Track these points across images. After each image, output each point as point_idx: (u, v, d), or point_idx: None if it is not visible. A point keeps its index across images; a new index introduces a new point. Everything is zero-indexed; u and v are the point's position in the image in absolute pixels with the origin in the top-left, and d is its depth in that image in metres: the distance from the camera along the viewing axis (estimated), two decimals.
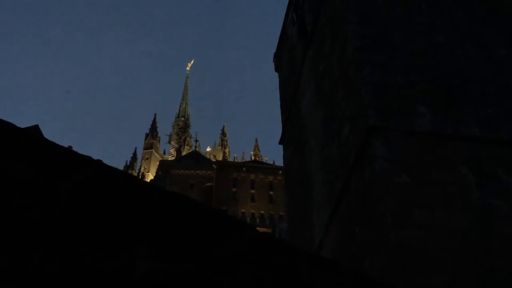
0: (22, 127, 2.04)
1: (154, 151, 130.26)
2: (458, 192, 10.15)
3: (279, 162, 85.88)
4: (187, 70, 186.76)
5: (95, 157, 2.04)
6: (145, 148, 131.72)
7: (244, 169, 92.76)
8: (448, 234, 9.49)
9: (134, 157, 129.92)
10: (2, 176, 1.76)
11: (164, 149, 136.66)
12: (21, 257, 1.59)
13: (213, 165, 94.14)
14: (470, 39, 13.05)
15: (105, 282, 1.58)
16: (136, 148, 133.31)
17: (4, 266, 1.55)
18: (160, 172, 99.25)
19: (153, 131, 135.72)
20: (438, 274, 8.92)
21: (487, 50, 12.87)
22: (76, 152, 2.00)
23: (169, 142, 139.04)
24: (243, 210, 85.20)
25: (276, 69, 20.72)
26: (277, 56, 20.66)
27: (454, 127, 11.27)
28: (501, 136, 11.33)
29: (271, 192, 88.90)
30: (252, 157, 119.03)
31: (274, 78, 22.93)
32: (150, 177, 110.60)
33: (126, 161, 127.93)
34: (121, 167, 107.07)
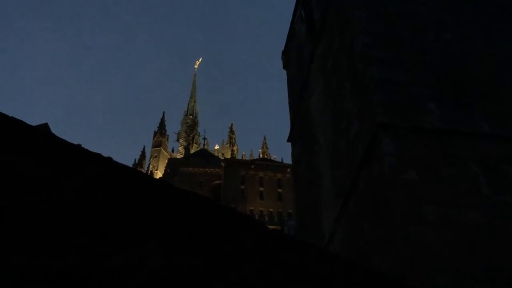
0: (32, 125, 2.05)
1: (162, 149, 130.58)
2: (467, 189, 10.11)
3: (288, 160, 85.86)
4: (195, 68, 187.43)
5: (103, 155, 2.05)
6: (154, 146, 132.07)
7: (252, 166, 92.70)
8: (457, 231, 9.46)
9: (142, 155, 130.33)
10: (13, 172, 1.77)
11: (173, 147, 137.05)
12: (32, 253, 1.60)
13: (222, 163, 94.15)
14: (479, 35, 12.99)
15: (114, 277, 1.59)
16: (144, 146, 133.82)
17: (15, 261, 1.56)
18: (168, 170, 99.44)
19: (161, 129, 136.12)
20: (447, 271, 8.90)
21: (496, 46, 12.80)
22: (86, 149, 2.01)
23: (178, 140, 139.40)
24: (251, 208, 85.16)
25: (284, 67, 20.69)
26: (285, 54, 20.63)
27: (463, 123, 11.22)
28: (511, 132, 11.27)
29: (279, 190, 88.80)
30: (261, 155, 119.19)
31: (283, 75, 22.90)
32: (158, 175, 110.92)
33: (135, 159, 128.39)
34: (129, 165, 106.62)
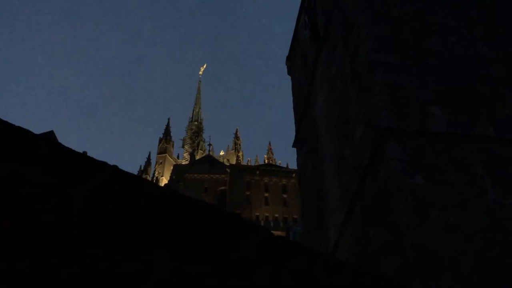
0: (37, 133, 2.06)
1: (167, 156, 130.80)
2: (474, 193, 10.09)
3: (293, 165, 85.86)
4: (200, 75, 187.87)
5: (109, 162, 2.05)
6: (159, 153, 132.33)
7: (257, 172, 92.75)
8: (463, 235, 9.43)
9: (148, 162, 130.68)
10: (19, 181, 1.78)
11: (178, 154, 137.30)
12: (39, 261, 1.61)
13: (227, 169, 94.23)
14: (484, 38, 12.97)
15: (123, 285, 1.59)
16: (150, 152, 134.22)
17: (24, 270, 1.57)
18: (174, 176, 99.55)
19: (166, 136, 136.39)
20: (454, 275, 8.86)
21: (501, 49, 12.78)
22: (92, 158, 2.02)
23: (183, 147, 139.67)
24: (257, 214, 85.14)
25: (289, 73, 20.72)
26: (290, 60, 20.66)
27: (469, 127, 11.20)
28: None
29: (284, 195, 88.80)
30: (266, 161, 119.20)
31: (287, 81, 22.90)
32: (164, 181, 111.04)
33: (140, 166, 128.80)
34: (135, 172, 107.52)
